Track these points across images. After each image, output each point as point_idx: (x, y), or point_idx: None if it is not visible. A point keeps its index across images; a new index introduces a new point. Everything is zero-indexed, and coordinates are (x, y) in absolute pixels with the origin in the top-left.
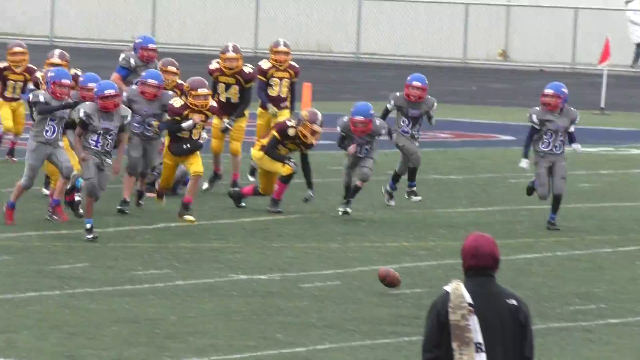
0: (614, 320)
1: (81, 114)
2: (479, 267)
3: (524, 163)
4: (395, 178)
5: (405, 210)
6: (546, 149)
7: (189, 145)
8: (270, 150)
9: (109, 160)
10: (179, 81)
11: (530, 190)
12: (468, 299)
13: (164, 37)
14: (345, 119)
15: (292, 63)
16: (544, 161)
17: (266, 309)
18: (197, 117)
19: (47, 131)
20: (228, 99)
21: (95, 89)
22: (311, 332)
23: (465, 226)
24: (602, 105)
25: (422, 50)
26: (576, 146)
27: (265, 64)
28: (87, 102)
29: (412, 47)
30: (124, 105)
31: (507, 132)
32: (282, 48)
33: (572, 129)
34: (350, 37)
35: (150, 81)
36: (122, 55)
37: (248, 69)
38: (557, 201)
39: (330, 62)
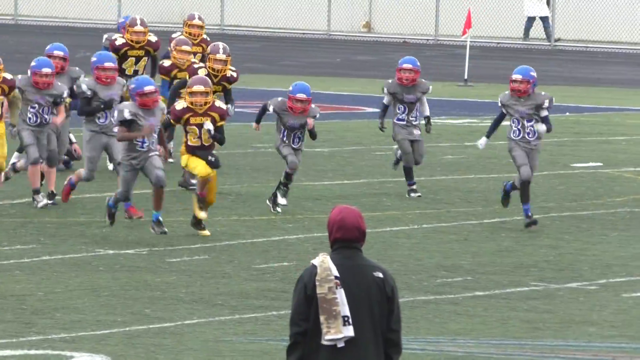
0: (480, 293)
1: (126, 115)
2: (345, 239)
3: (482, 142)
4: (408, 173)
5: (272, 184)
6: (517, 137)
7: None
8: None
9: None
10: (194, 60)
11: (506, 197)
12: (335, 272)
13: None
14: (280, 99)
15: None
16: (519, 146)
17: (134, 284)
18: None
19: (99, 117)
20: (136, 71)
21: (133, 86)
22: (179, 307)
23: (331, 199)
24: (466, 77)
25: (286, 21)
26: (538, 127)
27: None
28: (127, 102)
29: (275, 19)
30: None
31: (372, 104)
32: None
33: (544, 113)
34: (214, 9)
35: (45, 70)
36: (106, 36)
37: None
38: (525, 187)
39: None
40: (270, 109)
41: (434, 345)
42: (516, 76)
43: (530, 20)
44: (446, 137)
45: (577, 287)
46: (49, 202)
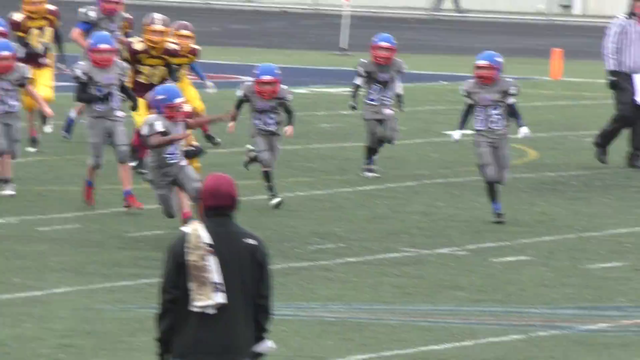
0: (352, 259)
1: (158, 128)
2: (218, 207)
3: (456, 134)
4: (370, 153)
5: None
6: (482, 127)
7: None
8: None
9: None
10: (193, 46)
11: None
12: (206, 239)
13: None
14: (249, 82)
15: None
16: (484, 140)
17: (3, 252)
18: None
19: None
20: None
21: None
22: (49, 276)
23: (206, 167)
24: (344, 45)
25: None
26: (524, 133)
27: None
28: (152, 116)
29: None
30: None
31: (250, 74)
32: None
33: (511, 101)
34: None
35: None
36: (81, 9)
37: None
38: (495, 189)
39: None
40: (241, 93)
41: (305, 311)
42: (481, 62)
43: None
44: (323, 106)
45: (447, 252)
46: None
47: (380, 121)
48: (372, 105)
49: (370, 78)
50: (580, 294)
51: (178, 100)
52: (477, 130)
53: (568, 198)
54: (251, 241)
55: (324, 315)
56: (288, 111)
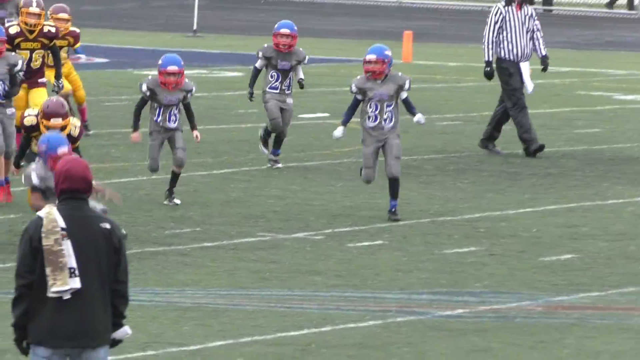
0: (209, 244)
1: (144, 89)
2: (72, 190)
3: (338, 131)
4: (275, 141)
5: None
6: (374, 124)
7: None
8: None
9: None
10: (72, 28)
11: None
12: (61, 223)
13: None
14: (151, 77)
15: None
16: (372, 139)
17: None
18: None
19: None
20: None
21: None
22: None
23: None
24: (195, 27)
25: None
26: (418, 118)
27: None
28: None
29: None
30: None
31: (101, 54)
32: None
33: (404, 95)
34: None
35: None
36: None
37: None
38: (393, 185)
39: None
40: (144, 87)
41: (162, 297)
42: (370, 56)
43: None
44: None
45: (303, 237)
46: None
47: (281, 110)
48: (274, 93)
49: (270, 65)
50: (435, 279)
51: (60, 151)
52: (366, 128)
53: (421, 182)
54: (107, 225)
55: (180, 301)
56: (189, 110)
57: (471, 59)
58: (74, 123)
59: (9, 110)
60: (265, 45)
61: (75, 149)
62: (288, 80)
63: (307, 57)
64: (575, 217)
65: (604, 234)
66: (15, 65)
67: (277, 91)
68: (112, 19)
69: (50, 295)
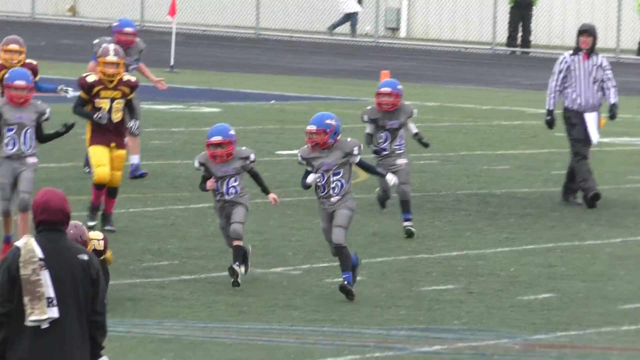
0: (187, 277)
1: (196, 165)
2: (50, 222)
3: (309, 179)
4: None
5: None
6: (322, 194)
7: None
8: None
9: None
10: (28, 60)
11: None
12: (39, 253)
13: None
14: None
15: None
16: (324, 213)
17: None
18: None
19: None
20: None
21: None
22: None
23: (38, 182)
24: (172, 63)
25: None
26: (391, 180)
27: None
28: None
29: None
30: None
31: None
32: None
33: (356, 160)
34: None
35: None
36: (96, 41)
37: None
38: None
39: None
40: (196, 164)
41: (140, 328)
42: (310, 127)
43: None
44: (152, 123)
45: (281, 271)
46: None
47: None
48: (384, 156)
49: (377, 126)
50: (413, 315)
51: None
52: (318, 199)
53: (399, 220)
54: (84, 257)
55: (158, 333)
56: (255, 176)
57: (448, 99)
58: (96, 238)
59: (31, 160)
60: (369, 107)
61: (102, 262)
62: (399, 139)
63: (415, 112)
64: (553, 257)
65: (582, 274)
66: (44, 113)
67: (387, 152)
68: (88, 53)
69: (28, 324)
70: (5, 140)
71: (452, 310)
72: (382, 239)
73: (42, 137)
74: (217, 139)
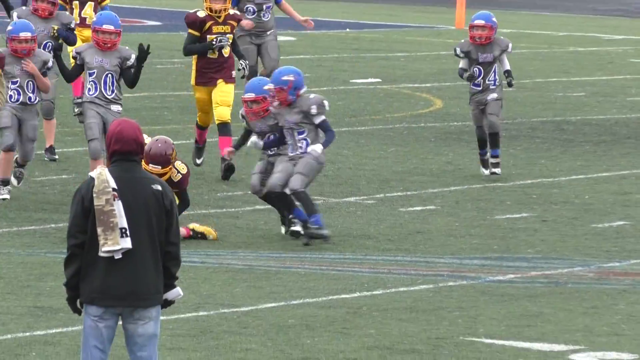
0: (260, 207)
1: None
2: (124, 152)
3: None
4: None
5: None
6: (292, 154)
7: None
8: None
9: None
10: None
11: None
12: (112, 184)
13: None
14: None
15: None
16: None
17: None
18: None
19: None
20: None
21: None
22: None
23: None
24: None
25: None
26: (312, 148)
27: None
28: None
29: None
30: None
31: (152, 17)
32: None
33: (317, 121)
34: None
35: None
36: None
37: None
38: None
39: None
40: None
41: (214, 258)
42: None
43: None
44: None
45: (354, 201)
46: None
47: (483, 110)
48: (476, 91)
49: (470, 59)
50: (487, 244)
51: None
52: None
53: (474, 148)
54: (158, 187)
55: (232, 263)
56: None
57: (524, 26)
58: (179, 168)
59: (115, 108)
60: (462, 40)
61: (177, 194)
62: (492, 74)
63: (510, 45)
64: (628, 185)
65: None
66: (128, 59)
67: (479, 88)
68: None
69: (101, 255)
70: (88, 85)
71: (526, 238)
72: (456, 168)
73: (128, 81)
74: (250, 95)
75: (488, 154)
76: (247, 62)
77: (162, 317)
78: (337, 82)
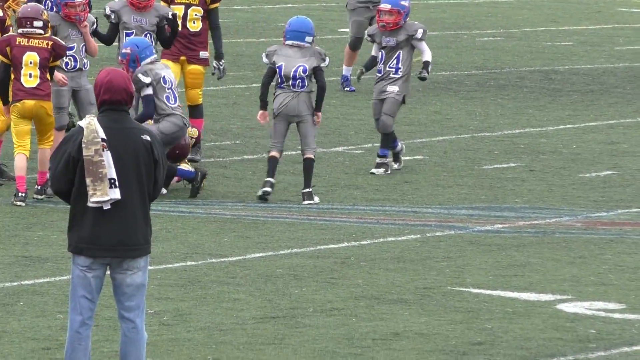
0: (248, 157)
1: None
2: (113, 102)
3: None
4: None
5: None
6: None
7: None
8: None
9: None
10: None
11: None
12: (102, 134)
13: None
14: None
15: None
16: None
17: None
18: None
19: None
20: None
21: None
22: None
23: (102, 62)
24: None
25: None
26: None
27: None
28: None
29: None
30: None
31: None
32: None
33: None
34: None
35: None
36: None
37: None
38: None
39: None
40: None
41: (202, 208)
42: (384, 6)
43: None
44: None
45: (342, 151)
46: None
47: (382, 101)
48: (377, 78)
49: (377, 44)
50: (475, 194)
51: None
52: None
53: (462, 97)
54: (147, 137)
55: (220, 213)
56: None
57: None
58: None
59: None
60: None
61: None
62: (395, 61)
63: (419, 31)
64: (615, 134)
65: None
66: (166, 15)
67: (381, 74)
68: None
69: (90, 205)
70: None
71: (514, 188)
72: (443, 118)
73: (164, 41)
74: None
75: (398, 147)
76: (222, 64)
77: (150, 267)
78: (325, 31)
